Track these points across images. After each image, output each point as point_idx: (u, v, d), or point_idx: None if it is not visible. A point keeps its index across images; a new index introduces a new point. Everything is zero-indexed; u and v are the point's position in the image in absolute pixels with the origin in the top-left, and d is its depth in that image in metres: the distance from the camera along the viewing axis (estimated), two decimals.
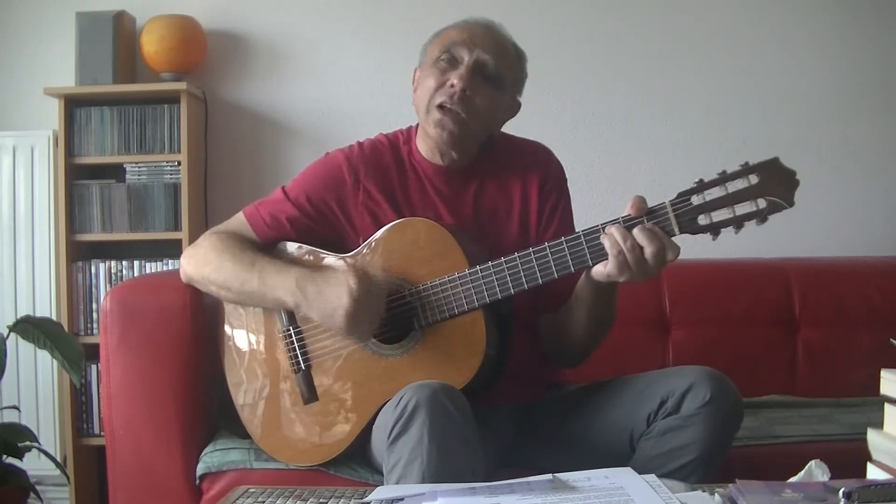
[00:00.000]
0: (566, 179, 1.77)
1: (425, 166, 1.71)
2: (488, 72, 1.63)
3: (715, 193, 1.36)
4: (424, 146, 1.71)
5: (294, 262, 1.68)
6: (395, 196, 1.69)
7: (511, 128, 1.76)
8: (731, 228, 1.36)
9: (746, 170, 1.35)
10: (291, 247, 1.72)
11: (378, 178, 1.70)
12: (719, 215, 1.37)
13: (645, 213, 1.40)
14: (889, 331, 1.65)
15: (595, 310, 1.56)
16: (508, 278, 1.49)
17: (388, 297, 1.56)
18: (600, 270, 1.43)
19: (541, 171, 1.73)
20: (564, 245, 1.46)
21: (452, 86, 1.61)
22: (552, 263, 1.47)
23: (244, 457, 1.72)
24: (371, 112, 2.75)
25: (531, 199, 1.70)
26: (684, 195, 1.38)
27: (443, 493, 1.15)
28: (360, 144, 1.75)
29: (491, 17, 1.72)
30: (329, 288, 1.54)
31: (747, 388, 1.62)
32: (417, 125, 1.75)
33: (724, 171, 1.36)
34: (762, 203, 1.34)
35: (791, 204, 1.33)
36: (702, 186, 1.37)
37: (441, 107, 1.61)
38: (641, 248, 1.38)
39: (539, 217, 1.70)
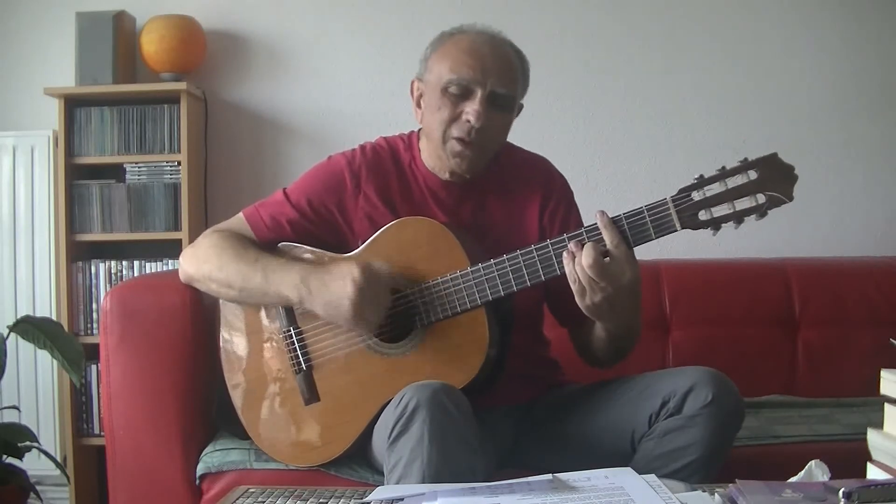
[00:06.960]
0: (572, 192, 1.77)
1: (428, 177, 1.71)
2: (501, 101, 1.62)
3: (715, 189, 1.37)
4: (432, 161, 1.70)
5: (296, 260, 1.68)
6: (394, 202, 1.69)
7: (511, 128, 1.76)
8: (731, 223, 1.37)
9: (745, 165, 1.36)
10: (290, 247, 1.72)
11: (379, 183, 1.70)
12: (719, 210, 1.37)
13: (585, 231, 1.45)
14: (889, 331, 1.65)
15: (611, 329, 1.56)
16: (511, 275, 1.49)
17: (391, 292, 1.56)
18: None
19: (542, 187, 1.72)
20: (567, 241, 1.46)
21: (469, 121, 1.59)
22: (554, 260, 1.47)
23: (244, 457, 1.72)
24: (371, 112, 2.75)
25: (531, 214, 1.70)
26: (685, 191, 1.39)
27: (443, 493, 1.15)
28: (362, 148, 1.74)
29: (490, 18, 1.71)
30: (333, 280, 1.54)
31: (747, 388, 1.62)
32: (419, 131, 1.75)
33: (723, 167, 1.37)
34: (761, 198, 1.34)
35: (790, 198, 1.34)
36: (702, 182, 1.37)
37: (458, 139, 1.61)
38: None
39: (540, 232, 1.69)
